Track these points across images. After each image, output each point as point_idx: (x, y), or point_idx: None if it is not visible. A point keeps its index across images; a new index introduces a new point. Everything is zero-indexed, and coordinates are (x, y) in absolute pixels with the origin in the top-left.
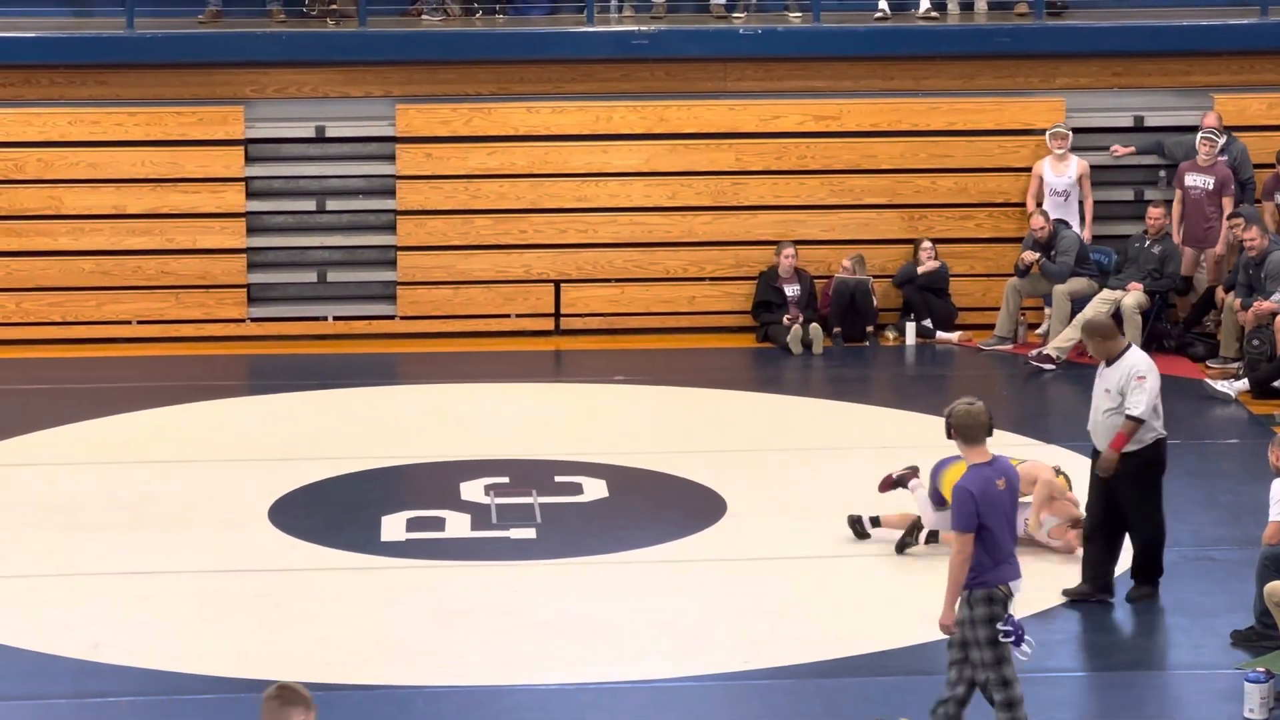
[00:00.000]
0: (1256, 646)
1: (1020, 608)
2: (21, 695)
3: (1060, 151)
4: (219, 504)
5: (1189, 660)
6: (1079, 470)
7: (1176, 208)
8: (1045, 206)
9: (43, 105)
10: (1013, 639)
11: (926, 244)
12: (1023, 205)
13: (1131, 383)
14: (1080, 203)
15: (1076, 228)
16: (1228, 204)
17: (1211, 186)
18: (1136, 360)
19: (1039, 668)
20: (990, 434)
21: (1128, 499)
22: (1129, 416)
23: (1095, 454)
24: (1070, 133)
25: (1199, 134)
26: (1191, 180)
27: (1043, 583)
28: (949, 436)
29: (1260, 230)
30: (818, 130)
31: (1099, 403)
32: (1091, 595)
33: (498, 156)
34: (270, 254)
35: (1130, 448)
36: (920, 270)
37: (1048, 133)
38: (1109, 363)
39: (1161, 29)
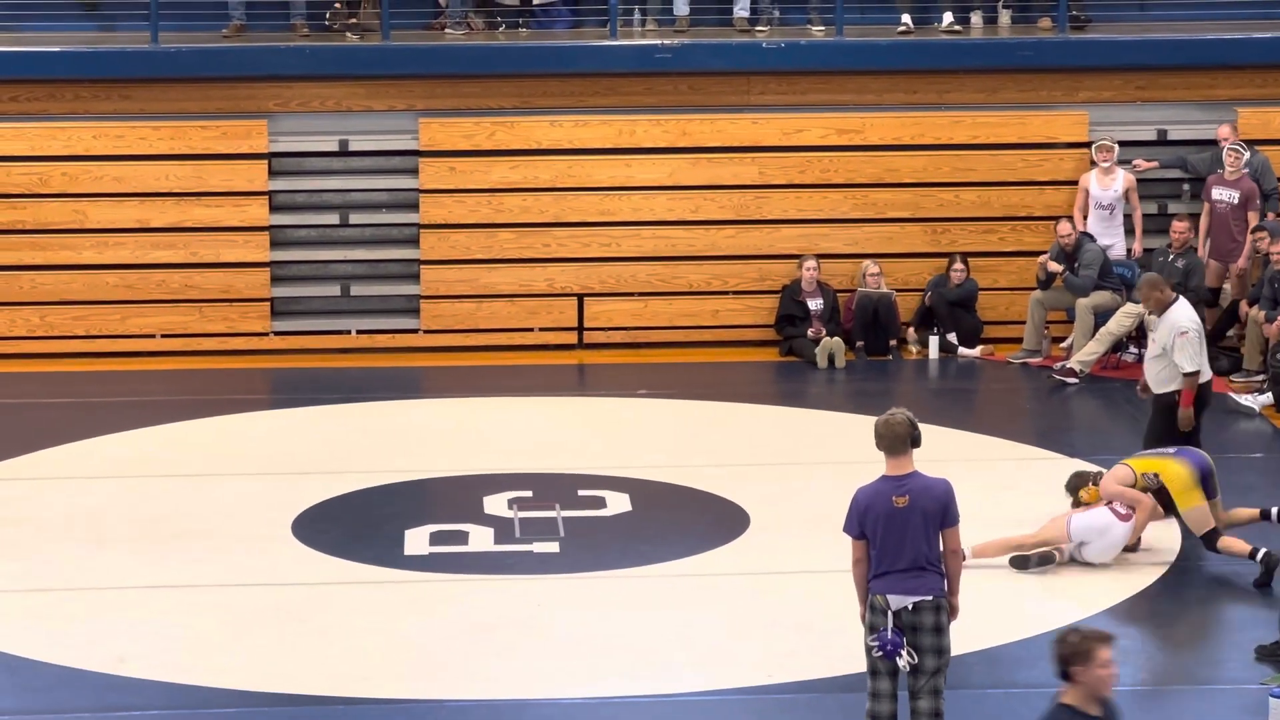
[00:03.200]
0: None
1: (1038, 621)
2: (46, 709)
3: (1106, 164)
4: (242, 518)
5: (1213, 675)
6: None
7: (1204, 221)
8: (1090, 219)
9: (67, 119)
10: (882, 653)
11: (959, 261)
12: (1046, 219)
13: (1175, 340)
14: (1127, 216)
15: (1122, 241)
16: (1253, 218)
17: (1237, 200)
18: (1179, 317)
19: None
20: (914, 445)
21: (1153, 430)
22: (1185, 374)
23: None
24: (1116, 145)
25: (1224, 147)
26: (1218, 194)
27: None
28: (880, 447)
29: None
30: (841, 144)
31: (1150, 350)
32: None
33: (521, 170)
34: (293, 268)
35: (1170, 386)
36: (952, 284)
37: (1093, 146)
38: (1159, 314)
39: (1185, 43)
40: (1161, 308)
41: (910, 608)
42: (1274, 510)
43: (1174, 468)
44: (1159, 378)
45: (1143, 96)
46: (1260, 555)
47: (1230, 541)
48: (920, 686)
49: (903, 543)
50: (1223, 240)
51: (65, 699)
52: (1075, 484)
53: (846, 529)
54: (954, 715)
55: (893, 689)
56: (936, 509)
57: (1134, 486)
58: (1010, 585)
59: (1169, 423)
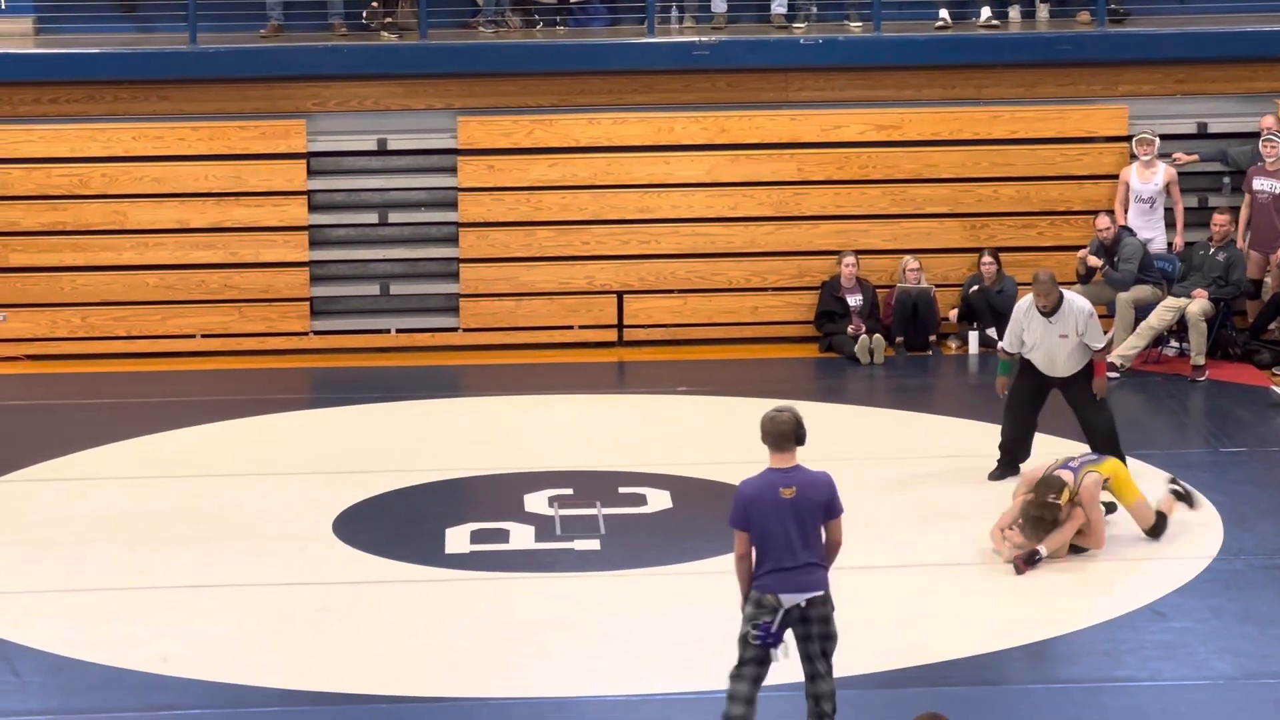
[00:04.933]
0: None
1: (1080, 616)
2: (90, 709)
3: (1147, 157)
4: (283, 517)
5: (1257, 669)
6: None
7: (1244, 213)
8: (1131, 213)
9: (107, 121)
10: (760, 641)
11: (988, 255)
12: (1085, 213)
13: (1085, 321)
14: (1168, 210)
15: (1164, 235)
16: None
17: (1278, 191)
18: (1080, 302)
19: (1107, 677)
20: (798, 442)
21: (1083, 400)
22: (1098, 350)
23: (1035, 374)
24: (1157, 139)
25: (1262, 139)
26: (1260, 184)
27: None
28: (765, 443)
29: None
30: (879, 140)
31: (1058, 345)
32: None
33: (559, 168)
34: (333, 267)
35: (1085, 362)
36: (985, 280)
37: (1134, 139)
38: (1053, 312)
39: (1225, 35)
40: (1057, 304)
41: (803, 604)
42: (1179, 487)
43: (1117, 467)
44: (1073, 364)
45: (1182, 90)
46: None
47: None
48: (817, 670)
49: (788, 536)
50: (1264, 232)
51: (109, 699)
52: (1057, 484)
53: (732, 522)
54: (998, 711)
55: (756, 674)
56: (821, 501)
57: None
58: (1050, 580)
59: (1088, 396)
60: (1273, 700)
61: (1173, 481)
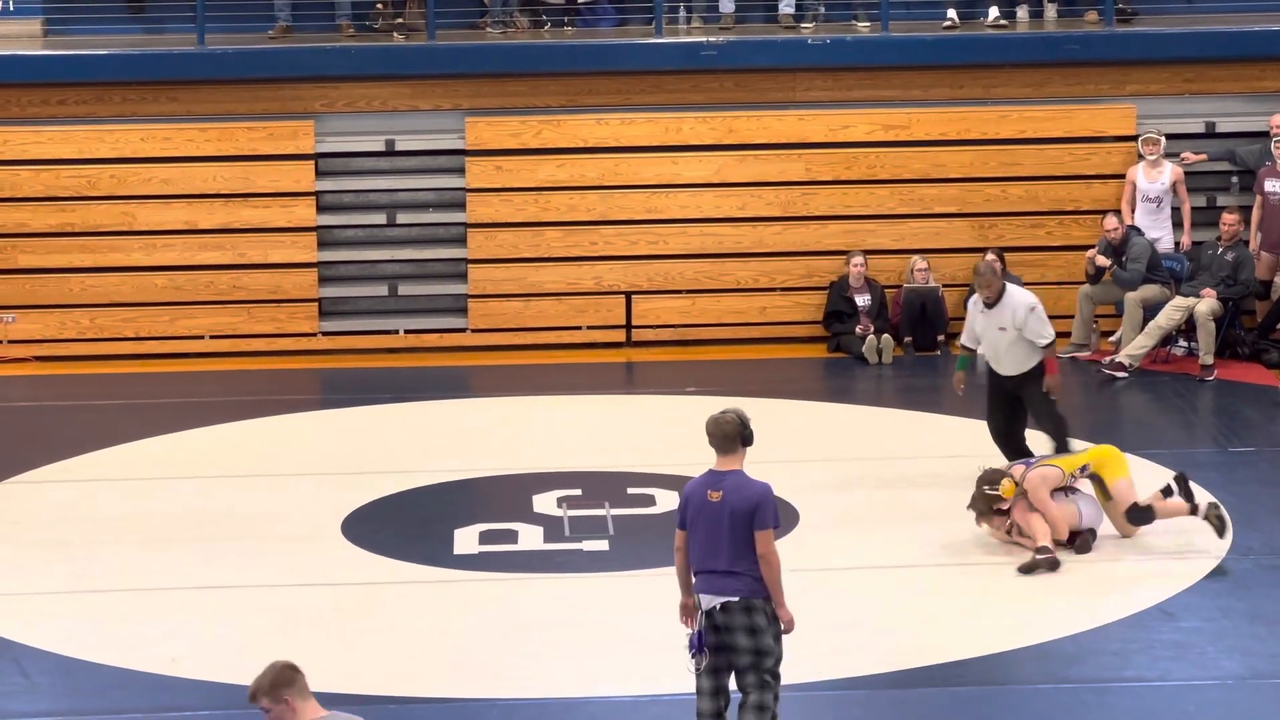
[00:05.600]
0: None
1: (1088, 616)
2: (100, 710)
3: (1153, 157)
4: (292, 518)
5: (1266, 669)
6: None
7: (1256, 213)
8: (1138, 213)
9: (115, 122)
10: (691, 650)
11: (990, 255)
12: (1093, 213)
13: (1027, 315)
14: (1175, 209)
15: (1171, 234)
16: None
17: None
18: (1021, 295)
19: (1116, 677)
20: (745, 444)
21: (1033, 400)
22: (1046, 345)
23: (992, 370)
24: (1163, 138)
25: (1272, 139)
26: (1271, 186)
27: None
28: (711, 445)
29: None
30: (887, 140)
31: (998, 337)
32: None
33: (567, 169)
34: (341, 268)
35: (1035, 360)
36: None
37: (1140, 138)
38: (993, 304)
39: (1233, 34)
40: (998, 295)
41: (720, 607)
42: (1172, 483)
43: (1105, 450)
44: (1017, 360)
45: (1190, 89)
46: (1203, 512)
47: (1167, 505)
48: (744, 684)
49: (714, 539)
50: (1275, 232)
51: (118, 700)
52: (994, 476)
53: (677, 519)
54: (1007, 711)
55: (713, 686)
56: (746, 509)
57: (1063, 484)
58: (1059, 580)
59: (1038, 396)
60: None
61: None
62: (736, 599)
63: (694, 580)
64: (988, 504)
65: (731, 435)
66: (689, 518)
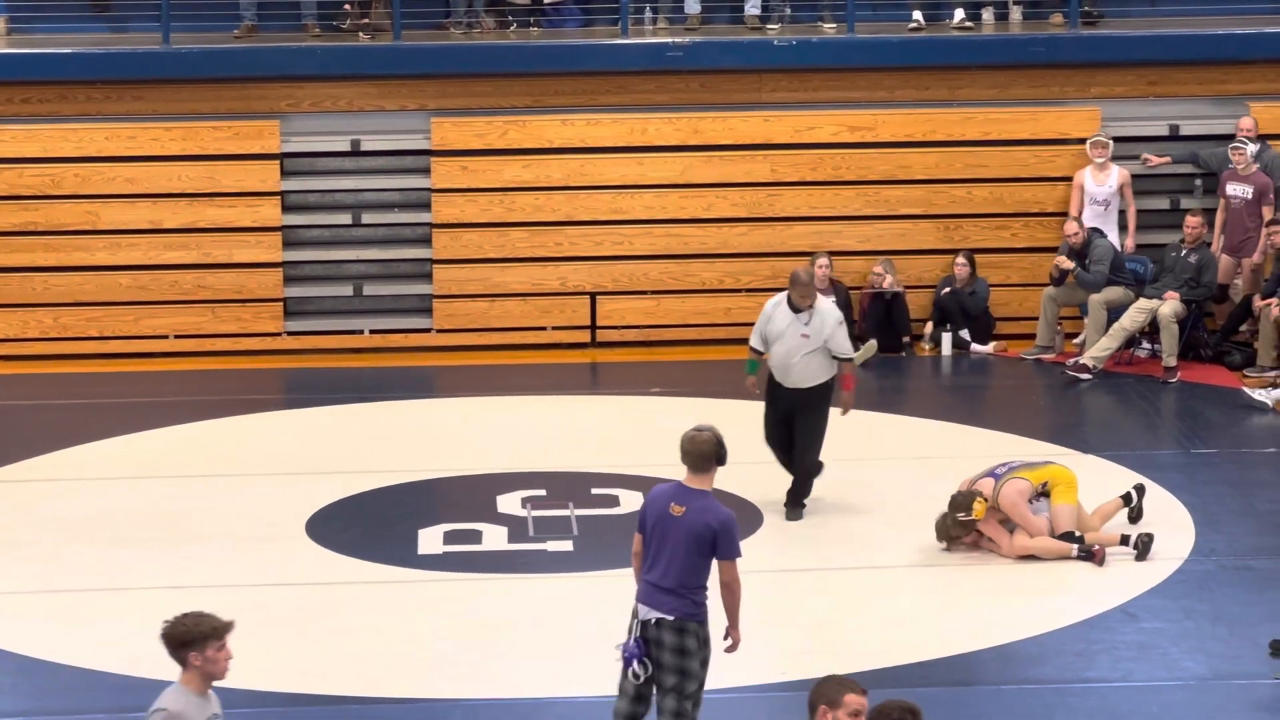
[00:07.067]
0: None
1: (1052, 617)
2: (63, 711)
3: (1101, 160)
4: (256, 518)
5: (1228, 670)
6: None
7: (1220, 216)
8: (1086, 216)
9: (79, 121)
10: (622, 659)
11: (961, 258)
12: (1058, 215)
13: (835, 328)
14: (1121, 212)
15: (1117, 237)
16: (1267, 212)
17: (1251, 195)
18: (829, 306)
19: (1079, 678)
20: (719, 463)
21: (807, 424)
22: (847, 359)
23: (775, 384)
24: (1111, 141)
25: (1231, 143)
26: (1233, 189)
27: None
28: (684, 462)
29: None
30: (853, 141)
31: (798, 345)
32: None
33: (533, 169)
34: (306, 268)
35: (822, 378)
36: (957, 281)
37: (1088, 141)
38: (802, 309)
39: (1197, 38)
40: (810, 306)
41: (654, 622)
42: (1133, 490)
43: (1065, 474)
44: (808, 373)
45: (1154, 92)
46: (1133, 541)
47: (1100, 535)
48: (661, 702)
49: (665, 554)
50: (1237, 235)
51: (82, 700)
52: (965, 501)
53: (638, 522)
54: (970, 712)
55: (635, 691)
56: (707, 536)
57: (1033, 495)
58: (1022, 581)
59: (823, 412)
60: (1244, 700)
61: (1143, 537)
62: (671, 618)
63: (638, 586)
64: (962, 530)
65: (708, 455)
66: (648, 524)
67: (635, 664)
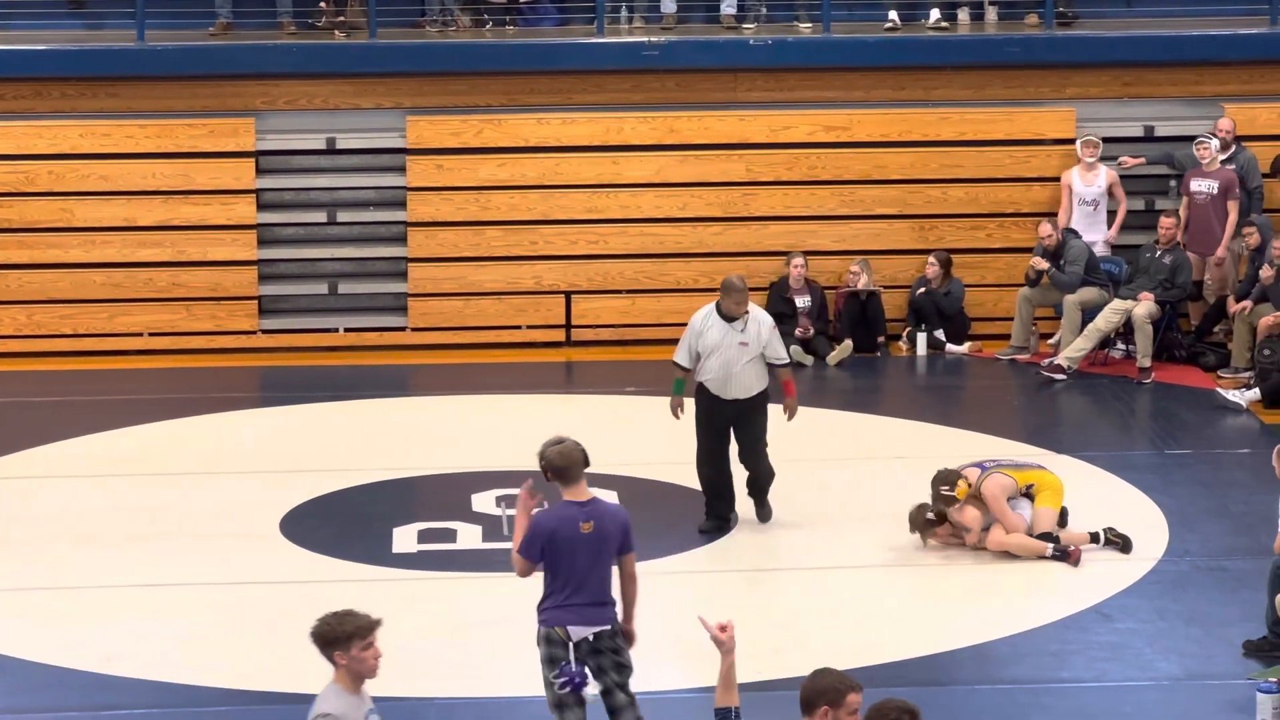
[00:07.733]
0: (1269, 657)
1: (1027, 617)
2: (35, 709)
3: (1090, 160)
4: (231, 516)
5: (1201, 670)
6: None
7: (1184, 213)
8: (1075, 216)
9: (54, 118)
10: (569, 687)
11: (932, 258)
12: (1033, 215)
13: (769, 331)
14: (1111, 212)
15: (1105, 237)
16: (1232, 208)
17: (1216, 190)
18: (762, 313)
19: (1053, 678)
20: (585, 465)
21: (751, 432)
22: (786, 364)
23: (713, 399)
24: (1101, 141)
25: (1195, 141)
26: (1196, 185)
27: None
28: (547, 479)
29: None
30: (828, 141)
31: (736, 354)
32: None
33: (508, 168)
34: (281, 266)
35: (762, 386)
36: (932, 285)
37: (1078, 141)
38: (737, 317)
39: (1171, 39)
40: (739, 314)
41: (591, 638)
42: (1102, 532)
43: (1052, 479)
44: (748, 382)
45: (1129, 93)
46: (1103, 538)
47: (1071, 534)
48: (618, 703)
49: (589, 571)
50: (1202, 233)
51: (54, 699)
52: (950, 476)
53: (521, 551)
54: (945, 712)
55: (584, 716)
56: (617, 535)
57: (1015, 494)
58: (997, 581)
59: (765, 417)
60: (1217, 701)
61: (1110, 531)
62: (608, 627)
63: (554, 613)
64: (939, 512)
65: (579, 461)
66: (549, 552)
67: (585, 687)
